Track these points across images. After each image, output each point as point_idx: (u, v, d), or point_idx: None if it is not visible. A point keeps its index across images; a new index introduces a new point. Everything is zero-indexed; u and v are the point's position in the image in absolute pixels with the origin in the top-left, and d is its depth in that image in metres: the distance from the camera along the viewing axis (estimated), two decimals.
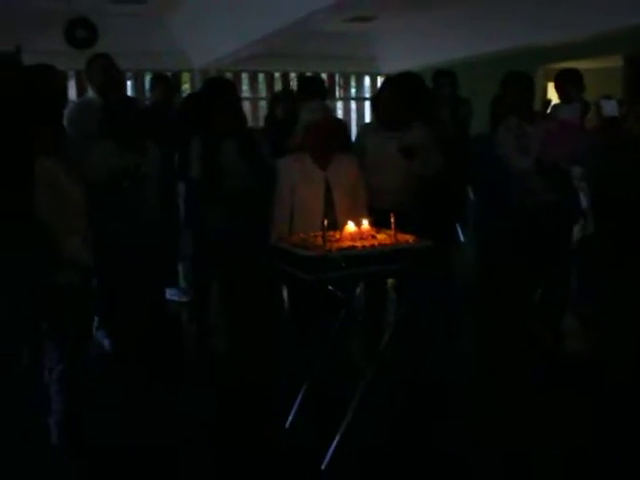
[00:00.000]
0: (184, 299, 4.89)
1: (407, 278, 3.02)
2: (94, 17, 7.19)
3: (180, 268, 5.13)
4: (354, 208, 3.37)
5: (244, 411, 3.34)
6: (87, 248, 2.82)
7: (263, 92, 9.01)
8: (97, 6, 6.85)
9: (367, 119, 9.73)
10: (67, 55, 6.75)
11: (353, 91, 9.74)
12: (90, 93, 4.34)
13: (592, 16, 5.80)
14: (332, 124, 3.47)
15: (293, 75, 9.05)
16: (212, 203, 3.74)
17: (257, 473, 2.86)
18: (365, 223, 2.94)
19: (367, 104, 9.80)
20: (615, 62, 6.55)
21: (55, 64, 3.59)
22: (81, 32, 7.26)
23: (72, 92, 7.62)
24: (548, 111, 4.59)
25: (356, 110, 9.74)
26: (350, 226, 2.91)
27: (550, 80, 6.41)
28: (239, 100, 4.18)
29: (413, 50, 8.20)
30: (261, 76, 9.03)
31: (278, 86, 8.97)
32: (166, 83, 5.04)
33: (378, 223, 2.97)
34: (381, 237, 2.86)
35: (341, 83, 9.57)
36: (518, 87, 3.97)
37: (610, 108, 3.75)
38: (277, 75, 9.07)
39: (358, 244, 2.76)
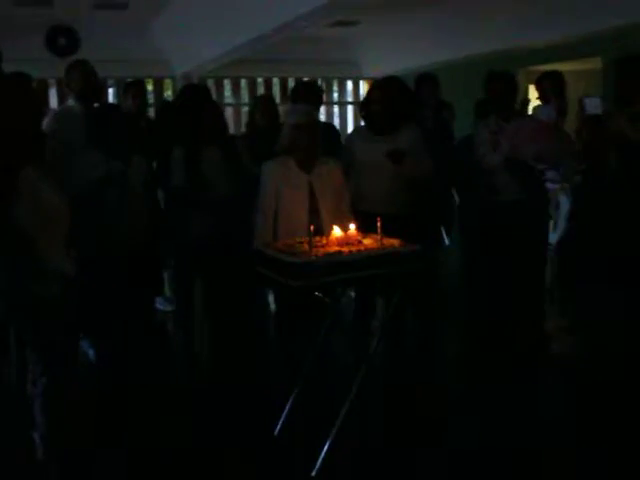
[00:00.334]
0: (169, 308, 4.86)
1: (394, 283, 3.02)
2: (76, 24, 7.16)
3: (165, 276, 5.10)
4: (338, 212, 3.37)
5: (231, 419, 3.32)
6: (70, 258, 2.79)
7: (246, 98, 9.00)
8: (78, 13, 6.81)
9: (350, 123, 9.76)
10: (48, 63, 6.71)
11: (335, 95, 9.75)
12: (70, 100, 4.30)
13: (571, 19, 5.86)
14: (317, 127, 3.46)
15: (275, 80, 9.07)
16: (195, 211, 3.73)
17: None
18: (352, 228, 2.94)
19: (350, 108, 9.84)
20: (595, 64, 6.66)
21: (36, 72, 3.57)
22: (62, 39, 7.23)
23: (53, 100, 7.59)
24: (530, 112, 4.64)
25: (339, 114, 9.76)
26: (336, 231, 2.91)
27: (531, 82, 6.47)
28: (218, 106, 4.17)
29: (395, 54, 8.23)
30: (244, 82, 9.02)
31: (261, 92, 8.98)
32: (137, 90, 4.99)
33: (366, 227, 2.96)
34: (367, 242, 2.86)
35: (324, 87, 9.58)
36: (499, 85, 4.02)
37: (593, 106, 3.80)
38: (260, 80, 9.07)
39: (345, 249, 2.75)
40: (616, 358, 3.39)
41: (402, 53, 8.07)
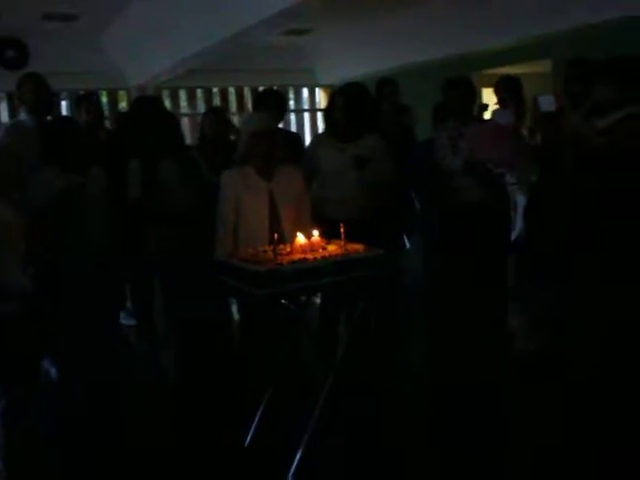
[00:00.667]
0: (132, 321, 4.78)
1: (359, 288, 3.02)
2: (24, 37, 7.02)
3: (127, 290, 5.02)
4: (299, 219, 3.36)
5: (200, 431, 3.27)
6: (27, 276, 2.73)
7: (202, 108, 8.94)
8: (27, 25, 6.68)
9: (307, 131, 9.78)
10: None
11: (292, 103, 9.76)
12: (22, 114, 4.21)
13: (523, 23, 5.98)
14: (275, 134, 3.45)
15: (232, 90, 9.04)
16: (153, 223, 3.69)
17: None
18: (315, 234, 2.93)
19: (306, 116, 9.86)
20: (545, 67, 6.80)
21: None
22: (11, 52, 7.08)
23: (4, 114, 7.43)
24: (488, 116, 4.71)
25: (295, 122, 9.76)
26: (300, 238, 2.90)
27: (484, 86, 6.59)
28: (174, 117, 4.14)
29: (350, 61, 8.28)
30: (199, 92, 8.96)
31: (217, 101, 8.93)
32: (89, 102, 4.92)
33: (330, 233, 2.96)
34: (331, 248, 2.86)
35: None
36: (457, 91, 4.08)
37: (547, 103, 3.89)
38: (215, 90, 9.02)
39: (309, 256, 2.75)
40: (573, 353, 3.45)
41: (357, 60, 8.13)
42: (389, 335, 4.37)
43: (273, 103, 4.40)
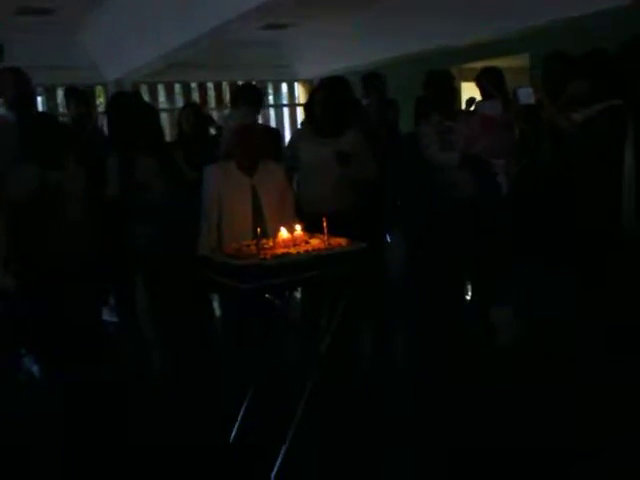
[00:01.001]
0: (114, 318, 4.75)
1: (342, 281, 3.03)
2: None
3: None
4: (282, 214, 3.35)
5: (185, 427, 3.26)
6: (7, 273, 2.70)
7: (180, 103, 8.88)
8: (1, 19, 6.57)
9: (286, 126, 9.76)
10: None
11: (271, 98, 9.74)
12: (1, 109, 4.15)
13: (501, 17, 6.03)
14: (257, 130, 3.44)
15: (210, 85, 8.99)
16: (132, 220, 3.67)
17: None
18: (298, 229, 2.94)
19: (285, 111, 9.84)
20: (523, 61, 6.86)
21: None
22: None
23: None
24: (472, 108, 4.73)
25: (275, 117, 9.74)
26: (283, 232, 2.90)
27: (464, 80, 6.63)
28: (154, 112, 4.11)
29: (328, 55, 8.28)
30: (177, 87, 8.91)
31: (195, 96, 8.88)
32: (79, 97, 4.88)
33: (312, 228, 2.97)
34: (314, 242, 2.86)
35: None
36: (439, 85, 4.09)
37: (525, 96, 3.92)
38: (194, 85, 8.97)
39: (292, 250, 2.75)
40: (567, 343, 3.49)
41: (336, 54, 8.13)
42: (373, 329, 4.39)
43: (251, 98, 4.39)
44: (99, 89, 8.41)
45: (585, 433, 2.94)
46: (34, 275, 3.07)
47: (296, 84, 9.77)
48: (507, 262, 4.10)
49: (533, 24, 5.91)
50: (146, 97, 8.30)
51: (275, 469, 2.76)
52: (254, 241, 2.80)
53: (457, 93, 4.24)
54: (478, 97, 4.56)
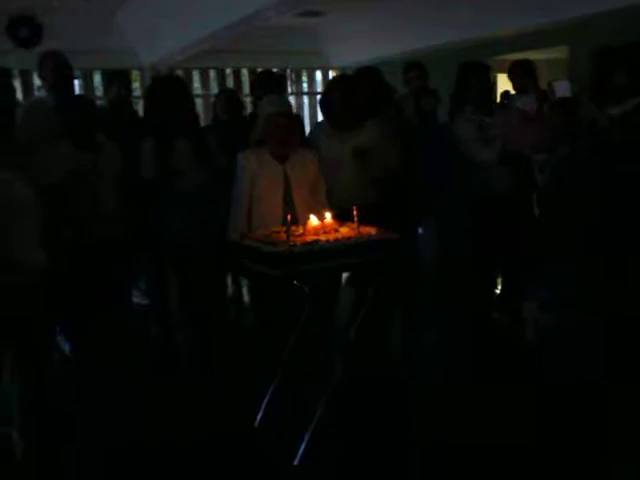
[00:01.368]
0: (145, 301, 4.82)
1: (371, 271, 3.03)
2: (39, 15, 7.00)
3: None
4: (313, 202, 3.36)
5: (211, 410, 3.30)
6: (41, 249, 2.75)
7: (215, 89, 8.92)
8: (41, 3, 6.67)
9: (320, 114, 9.73)
10: (11, 54, 6.56)
11: (305, 86, 9.72)
12: (39, 92, 4.23)
13: (540, 8, 5.92)
14: (291, 117, 3.44)
15: (245, 71, 9.00)
16: (165, 203, 3.69)
17: (228, 472, 2.84)
18: (328, 216, 2.94)
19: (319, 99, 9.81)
20: (562, 53, 6.74)
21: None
22: (24, 30, 7.06)
23: (18, 92, 7.43)
24: (505, 102, 4.67)
25: (309, 105, 9.73)
26: (313, 220, 2.91)
27: (499, 71, 6.54)
28: (191, 98, 4.13)
29: (363, 44, 8.23)
30: (212, 73, 8.94)
31: (230, 83, 8.90)
32: (121, 81, 4.94)
33: (341, 218, 2.97)
34: (344, 230, 2.87)
35: (293, 78, 9.54)
36: (473, 78, 4.01)
37: (562, 89, 3.85)
38: (228, 71, 8.99)
39: (322, 238, 2.76)
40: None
41: (370, 42, 8.07)
42: (402, 320, 4.38)
43: (272, 85, 4.40)
44: (135, 74, 8.48)
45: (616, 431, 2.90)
46: (65, 254, 3.12)
47: (330, 72, 9.74)
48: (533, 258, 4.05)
49: (573, 15, 5.78)
50: None
51: (298, 456, 2.78)
52: (284, 227, 2.81)
53: (492, 86, 4.14)
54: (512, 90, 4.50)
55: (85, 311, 3.58)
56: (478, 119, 3.98)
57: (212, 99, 8.53)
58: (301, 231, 2.86)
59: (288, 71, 9.35)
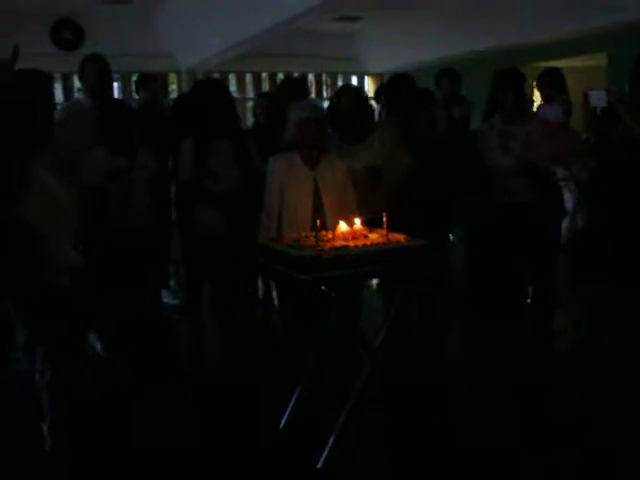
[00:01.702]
0: (175, 301, 4.88)
1: (399, 277, 3.03)
2: (80, 18, 7.16)
3: (171, 270, 5.12)
4: (342, 208, 3.34)
5: (237, 412, 3.33)
6: (76, 251, 2.81)
7: (251, 93, 9.00)
8: (83, 7, 6.82)
9: None
10: (53, 57, 6.72)
11: None
12: (78, 94, 4.32)
13: (577, 15, 5.85)
14: (322, 122, 3.45)
15: (281, 75, 9.06)
16: (202, 205, 3.73)
17: (252, 474, 2.86)
18: (357, 222, 2.95)
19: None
20: (599, 61, 6.65)
21: (41, 66, 3.57)
22: (67, 34, 7.23)
23: (58, 94, 7.60)
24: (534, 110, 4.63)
25: None
26: (342, 226, 2.92)
27: (535, 79, 6.47)
28: (232, 101, 4.16)
29: (400, 49, 8.22)
30: (248, 76, 9.02)
31: (265, 86, 8.97)
32: (155, 83, 5.01)
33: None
34: (373, 237, 2.87)
35: (328, 82, 9.57)
36: (502, 85, 3.95)
37: (597, 99, 3.78)
38: (264, 75, 9.06)
39: (351, 244, 2.77)
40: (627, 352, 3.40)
41: (406, 48, 8.06)
42: (430, 328, 4.35)
43: (295, 90, 4.41)
44: (172, 77, 8.61)
45: None
46: (99, 255, 3.18)
47: (366, 77, 9.74)
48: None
49: (613, 21, 5.69)
50: None
51: (321, 459, 2.79)
52: (313, 232, 2.83)
53: (523, 93, 4.05)
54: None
55: (117, 310, 3.64)
56: (502, 127, 3.92)
57: (248, 103, 8.66)
58: (330, 236, 2.87)
59: (324, 76, 9.39)
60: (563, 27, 6.12)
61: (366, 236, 2.88)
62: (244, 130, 4.33)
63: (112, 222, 3.55)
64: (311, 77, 9.22)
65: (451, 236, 5.24)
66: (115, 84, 7.97)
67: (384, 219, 2.86)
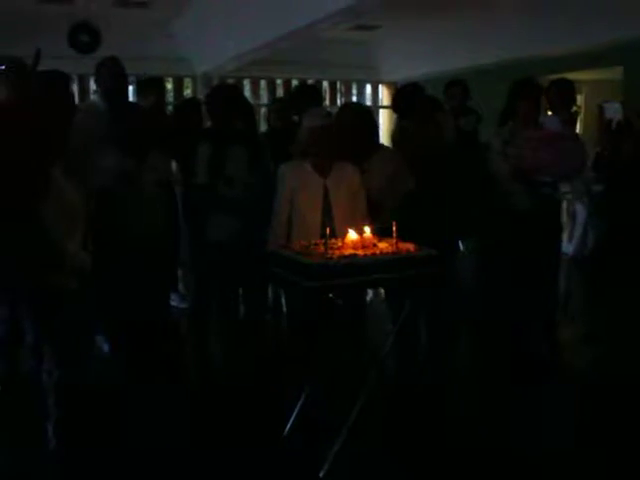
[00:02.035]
0: (183, 305, 4.88)
1: (408, 286, 3.02)
2: (97, 21, 7.22)
3: (179, 274, 5.12)
4: (352, 217, 3.33)
5: (241, 418, 3.33)
6: (86, 253, 2.83)
7: (265, 99, 9.03)
8: (100, 10, 6.88)
9: None
10: (70, 59, 6.76)
11: (354, 99, 9.75)
12: (93, 97, 4.34)
13: (593, 27, 5.82)
14: (333, 130, 3.44)
15: (295, 82, 9.08)
16: (218, 210, 3.73)
17: None
18: (367, 231, 2.95)
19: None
20: (615, 74, 6.62)
21: (58, 68, 3.59)
22: (84, 36, 7.29)
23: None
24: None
25: None
26: (352, 234, 2.92)
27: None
28: (249, 106, 4.17)
29: (414, 59, 8.23)
30: (263, 82, 9.05)
31: (280, 93, 9.00)
32: (158, 87, 5.02)
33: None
34: (382, 246, 2.87)
35: (342, 90, 9.59)
36: (515, 95, 3.97)
37: (612, 111, 3.78)
38: (279, 82, 9.09)
39: (360, 252, 2.77)
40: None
41: (421, 58, 8.07)
42: (438, 337, 4.34)
43: (309, 97, 4.41)
44: (187, 81, 8.65)
45: None
46: (107, 257, 3.19)
47: (380, 86, 9.75)
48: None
49: (628, 35, 5.66)
50: None
51: (324, 468, 2.78)
52: (322, 240, 2.83)
53: (537, 102, 4.04)
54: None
55: (125, 312, 3.65)
56: (508, 134, 3.93)
57: (262, 109, 8.69)
58: (340, 244, 2.87)
59: (338, 84, 9.40)
60: (579, 40, 6.09)
61: (375, 245, 2.88)
62: (259, 136, 4.33)
63: (121, 224, 3.56)
64: (325, 84, 9.24)
65: (461, 246, 5.23)
66: (130, 87, 8.02)
67: (394, 228, 2.85)
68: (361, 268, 2.71)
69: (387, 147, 3.94)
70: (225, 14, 6.47)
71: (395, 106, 4.51)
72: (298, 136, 3.48)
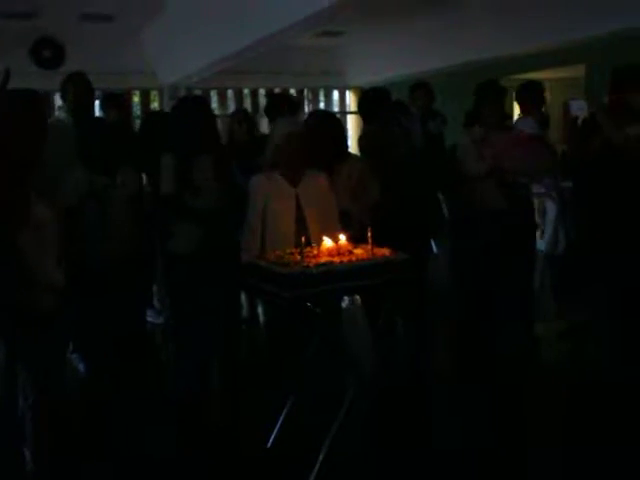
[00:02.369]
0: (158, 320, 4.83)
1: (385, 291, 3.03)
2: (61, 36, 7.14)
3: (154, 289, 5.07)
4: (325, 225, 3.32)
5: (223, 430, 3.30)
6: (60, 271, 2.79)
7: (232, 109, 9.00)
8: (63, 25, 6.81)
9: None
10: (34, 76, 6.68)
11: (322, 105, 9.77)
12: (58, 113, 4.29)
13: (555, 26, 5.91)
14: (303, 140, 3.44)
15: (262, 91, 9.08)
16: (184, 221, 3.70)
17: None
18: (342, 238, 2.94)
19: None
20: (577, 72, 6.73)
21: (22, 85, 3.54)
22: (47, 52, 7.20)
23: None
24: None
25: None
26: (327, 242, 2.91)
27: (515, 91, 6.53)
28: (214, 116, 4.15)
29: (380, 63, 8.28)
30: (230, 92, 9.03)
31: (247, 103, 8.98)
32: (118, 102, 4.99)
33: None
34: (358, 252, 2.87)
35: (310, 97, 9.61)
36: (480, 97, 4.03)
37: (578, 108, 3.84)
38: (246, 92, 9.07)
39: (336, 259, 2.76)
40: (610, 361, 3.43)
41: (387, 62, 8.12)
42: (415, 340, 4.36)
43: (285, 107, 4.42)
44: (154, 93, 8.60)
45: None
46: (81, 275, 3.15)
47: (347, 92, 9.79)
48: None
49: (590, 34, 5.75)
50: None
51: (312, 477, 2.77)
52: (297, 249, 2.82)
53: (501, 105, 4.10)
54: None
55: (100, 330, 3.59)
56: (480, 137, 3.98)
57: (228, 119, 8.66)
58: (315, 252, 2.86)
59: (305, 91, 9.42)
60: (542, 39, 6.18)
61: (351, 251, 2.87)
62: (224, 146, 4.32)
63: (90, 242, 3.51)
64: (293, 92, 9.25)
65: (434, 248, 5.27)
66: (97, 102, 7.95)
67: (369, 234, 2.86)
68: (338, 275, 2.71)
69: (354, 156, 3.92)
70: (191, 26, 6.44)
71: (360, 111, 4.52)
72: (268, 145, 3.47)
